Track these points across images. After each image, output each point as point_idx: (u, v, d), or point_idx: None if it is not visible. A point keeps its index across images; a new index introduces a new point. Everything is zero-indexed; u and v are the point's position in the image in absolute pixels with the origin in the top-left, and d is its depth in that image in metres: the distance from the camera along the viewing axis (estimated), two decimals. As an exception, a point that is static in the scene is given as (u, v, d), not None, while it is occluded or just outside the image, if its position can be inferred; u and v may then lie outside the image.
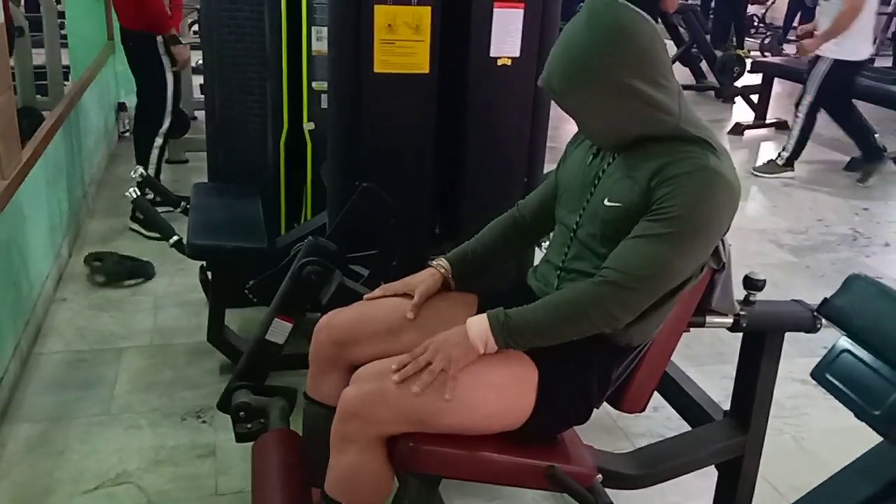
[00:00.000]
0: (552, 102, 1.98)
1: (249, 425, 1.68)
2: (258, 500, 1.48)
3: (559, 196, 1.46)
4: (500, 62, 1.85)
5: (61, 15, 4.41)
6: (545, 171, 2.08)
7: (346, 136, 1.87)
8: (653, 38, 1.23)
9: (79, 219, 3.40)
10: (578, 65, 1.23)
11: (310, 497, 1.49)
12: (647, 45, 1.23)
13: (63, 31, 4.34)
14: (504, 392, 1.31)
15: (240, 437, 1.70)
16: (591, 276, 1.32)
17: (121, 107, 4.81)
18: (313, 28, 2.36)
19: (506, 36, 1.83)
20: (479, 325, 1.28)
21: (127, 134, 4.82)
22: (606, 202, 1.30)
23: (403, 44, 1.78)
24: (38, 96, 4.36)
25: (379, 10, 1.74)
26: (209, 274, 2.51)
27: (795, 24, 10.18)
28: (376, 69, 1.78)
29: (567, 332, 1.27)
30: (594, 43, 1.21)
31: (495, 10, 1.80)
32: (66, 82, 4.17)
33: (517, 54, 1.85)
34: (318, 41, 2.34)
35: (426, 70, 1.81)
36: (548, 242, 1.53)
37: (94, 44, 4.38)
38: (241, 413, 1.68)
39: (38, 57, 4.42)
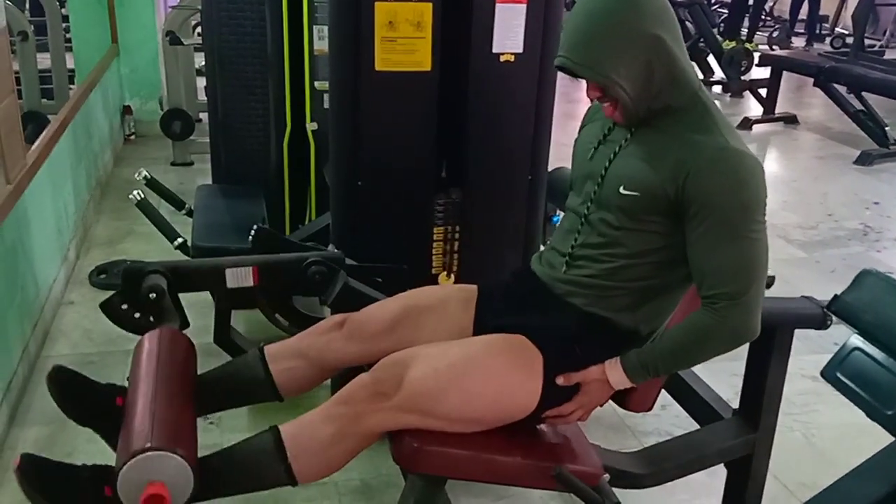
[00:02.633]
0: (555, 98, 1.99)
1: (138, 314, 1.53)
2: (146, 381, 1.33)
3: (571, 183, 1.45)
4: (502, 58, 1.83)
5: (65, 19, 4.44)
6: (549, 168, 2.07)
7: (348, 135, 1.86)
8: (666, 1, 1.26)
9: (85, 221, 3.40)
10: (603, 26, 1.22)
11: (192, 407, 1.39)
12: (664, 1, 1.25)
13: (68, 35, 4.36)
14: (510, 379, 1.30)
15: (109, 309, 1.54)
16: (599, 262, 1.33)
17: (126, 110, 4.82)
18: (315, 27, 2.35)
19: (508, 32, 1.82)
20: (618, 375, 1.31)
21: (132, 137, 4.84)
22: (622, 190, 1.29)
23: (405, 41, 1.77)
24: (44, 100, 4.38)
25: (380, 7, 1.73)
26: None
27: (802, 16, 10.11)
28: (377, 67, 1.77)
29: (696, 358, 1.32)
30: (615, 2, 1.22)
31: (497, 6, 1.79)
32: (71, 86, 4.19)
33: (520, 50, 1.84)
34: (320, 40, 2.33)
35: (428, 67, 1.80)
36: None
37: (98, 47, 4.39)
38: (150, 296, 1.52)
39: (44, 61, 4.44)
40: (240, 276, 1.63)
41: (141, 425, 1.22)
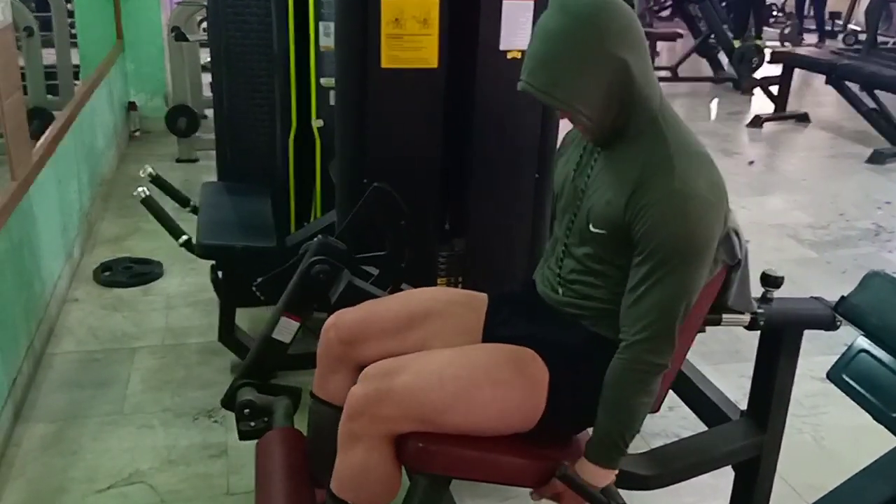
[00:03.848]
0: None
1: (253, 423, 1.66)
2: (262, 500, 1.47)
3: (554, 208, 1.45)
4: (509, 55, 1.82)
5: (71, 14, 4.45)
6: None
7: (354, 132, 1.85)
8: (632, 15, 1.21)
9: (90, 218, 3.41)
10: (562, 51, 1.18)
11: (314, 497, 1.48)
12: (630, 18, 1.20)
13: (73, 31, 4.37)
14: (514, 391, 1.29)
15: (243, 435, 1.69)
16: (591, 287, 1.33)
17: (131, 106, 4.83)
18: (321, 23, 2.34)
19: (516, 28, 1.80)
20: (588, 468, 1.28)
21: (137, 133, 4.85)
22: (592, 228, 1.28)
23: (411, 38, 1.76)
24: (49, 96, 4.39)
25: (386, 3, 1.72)
26: (220, 273, 2.51)
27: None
28: (384, 64, 1.76)
29: (639, 405, 1.25)
30: (575, 22, 1.18)
31: (504, 3, 1.77)
32: (76, 82, 4.20)
33: (527, 47, 1.81)
34: (326, 37, 2.32)
35: (434, 64, 1.79)
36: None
37: (103, 43, 4.40)
38: (246, 411, 1.66)
39: (49, 56, 4.45)
40: (286, 329, 1.68)
41: None
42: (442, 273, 2.00)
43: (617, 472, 1.30)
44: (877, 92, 5.33)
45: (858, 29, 9.65)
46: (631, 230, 1.22)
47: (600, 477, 1.28)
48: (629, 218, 1.22)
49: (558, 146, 1.50)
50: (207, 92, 4.57)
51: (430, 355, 1.34)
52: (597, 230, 1.27)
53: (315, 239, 1.71)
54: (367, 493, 1.32)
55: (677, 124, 1.26)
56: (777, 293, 1.51)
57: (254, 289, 1.85)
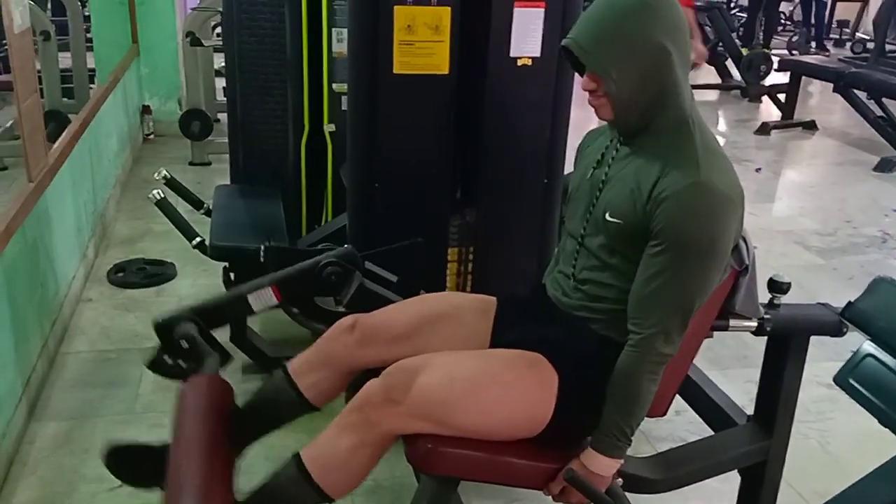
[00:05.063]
0: (573, 103, 1.99)
1: (172, 361, 1.56)
2: (185, 438, 1.37)
3: (567, 202, 1.46)
4: (520, 62, 1.84)
5: (87, 19, 4.50)
6: (565, 172, 2.07)
7: (366, 137, 1.87)
8: (685, 19, 1.26)
9: (104, 220, 3.45)
10: (619, 22, 1.23)
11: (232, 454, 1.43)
12: (680, 16, 1.25)
13: (88, 35, 4.42)
14: (523, 394, 1.30)
15: (157, 366, 1.58)
16: (604, 286, 1.34)
17: (145, 109, 4.87)
18: (334, 30, 2.37)
19: (526, 36, 1.82)
20: (593, 458, 1.30)
21: (151, 136, 4.90)
22: (608, 217, 1.30)
23: (423, 44, 1.78)
24: (65, 99, 4.44)
25: (399, 10, 1.74)
26: (232, 275, 2.54)
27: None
28: (396, 70, 1.78)
29: (649, 394, 1.28)
30: (632, 3, 1.22)
31: (516, 10, 1.80)
32: (91, 85, 4.24)
33: (537, 54, 1.84)
34: (339, 42, 2.35)
35: (446, 70, 1.81)
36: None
37: (118, 47, 4.45)
38: (183, 343, 1.54)
39: (65, 60, 4.50)
40: (263, 299, 1.66)
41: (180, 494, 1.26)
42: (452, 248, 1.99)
43: (623, 461, 1.32)
44: (884, 100, 5.32)
45: (867, 37, 9.63)
46: (651, 221, 1.23)
47: (607, 467, 1.30)
48: (651, 208, 1.23)
49: (581, 142, 1.51)
50: (221, 96, 4.59)
51: (443, 356, 1.35)
52: (613, 219, 1.29)
53: (344, 247, 1.71)
54: (335, 478, 1.31)
55: (705, 128, 1.30)
56: (784, 299, 1.52)
57: (261, 249, 1.80)
